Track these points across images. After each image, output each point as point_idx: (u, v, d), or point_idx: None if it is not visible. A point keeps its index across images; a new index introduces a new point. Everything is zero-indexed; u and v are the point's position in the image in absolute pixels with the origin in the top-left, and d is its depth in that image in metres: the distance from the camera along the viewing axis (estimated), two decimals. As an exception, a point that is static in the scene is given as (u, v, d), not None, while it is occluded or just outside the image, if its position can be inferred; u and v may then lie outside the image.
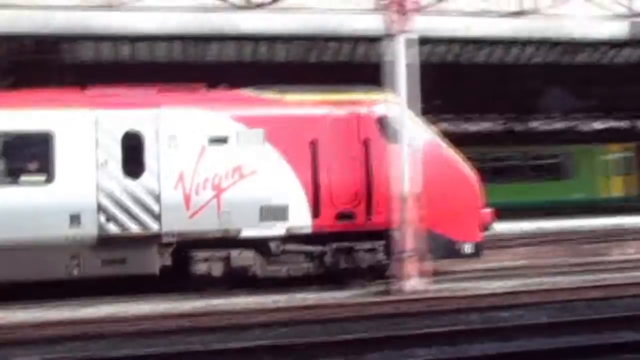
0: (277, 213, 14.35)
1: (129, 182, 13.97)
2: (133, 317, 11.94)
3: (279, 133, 14.46)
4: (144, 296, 13.86)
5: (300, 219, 14.47)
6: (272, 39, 19.31)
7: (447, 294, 13.51)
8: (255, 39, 19.17)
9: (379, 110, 15.04)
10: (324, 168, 14.51)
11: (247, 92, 15.06)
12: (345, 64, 21.96)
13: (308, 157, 14.54)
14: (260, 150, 14.44)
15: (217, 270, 14.33)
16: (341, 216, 14.52)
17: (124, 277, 14.04)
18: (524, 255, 19.35)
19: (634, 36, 20.87)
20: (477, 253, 15.35)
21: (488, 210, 15.54)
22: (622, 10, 15.78)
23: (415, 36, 13.88)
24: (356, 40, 20.34)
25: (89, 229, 13.75)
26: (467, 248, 15.14)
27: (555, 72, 24.81)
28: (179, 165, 14.13)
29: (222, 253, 14.31)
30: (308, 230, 14.55)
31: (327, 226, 14.44)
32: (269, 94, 15.04)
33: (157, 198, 14.03)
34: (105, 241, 13.86)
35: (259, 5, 14.11)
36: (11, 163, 13.99)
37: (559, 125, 36.63)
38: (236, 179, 14.29)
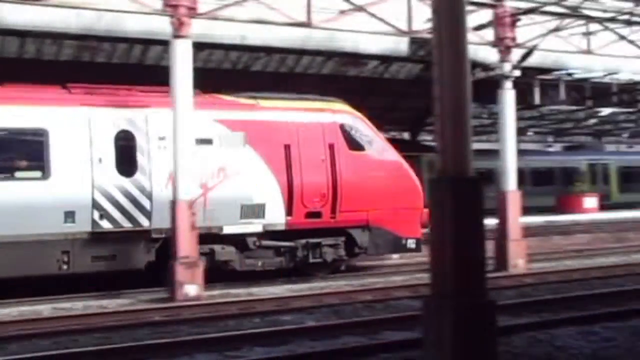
0: (256, 211, 15.31)
1: (123, 180, 14.40)
2: None
3: (257, 136, 15.44)
4: None
5: (275, 216, 15.55)
6: (39, 35, 18.29)
7: (220, 300, 13.45)
8: (21, 33, 18.06)
9: (341, 118, 16.62)
10: (296, 170, 15.75)
11: (227, 97, 15.92)
12: (120, 65, 21.35)
13: (283, 159, 15.70)
14: (242, 152, 15.35)
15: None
16: (310, 215, 15.83)
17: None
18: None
19: (414, 53, 22.01)
20: (418, 248, 16.93)
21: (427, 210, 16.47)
22: (403, 26, 16.50)
23: (190, 41, 13.72)
24: (132, 41, 19.78)
25: (82, 225, 13.97)
26: (411, 243, 16.81)
27: (332, 83, 25.57)
28: (169, 164, 14.14)
29: (205, 248, 14.75)
30: (282, 227, 15.67)
31: (298, 224, 15.71)
32: (245, 99, 16.05)
33: (149, 196, 14.48)
34: (97, 237, 14.10)
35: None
36: (6, 159, 13.93)
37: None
38: (221, 179, 15.08)
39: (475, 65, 20.48)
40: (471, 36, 16.54)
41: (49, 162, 13.88)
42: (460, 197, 6.72)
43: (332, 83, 23.69)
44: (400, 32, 16.33)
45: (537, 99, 26.49)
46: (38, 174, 13.94)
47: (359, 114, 17.04)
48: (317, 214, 15.87)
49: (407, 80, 26.63)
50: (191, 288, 13.41)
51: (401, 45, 17.10)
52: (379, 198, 16.25)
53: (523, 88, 24.48)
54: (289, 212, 15.61)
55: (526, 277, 15.96)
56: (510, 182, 17.30)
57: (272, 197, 15.47)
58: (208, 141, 15.08)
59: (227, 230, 15.05)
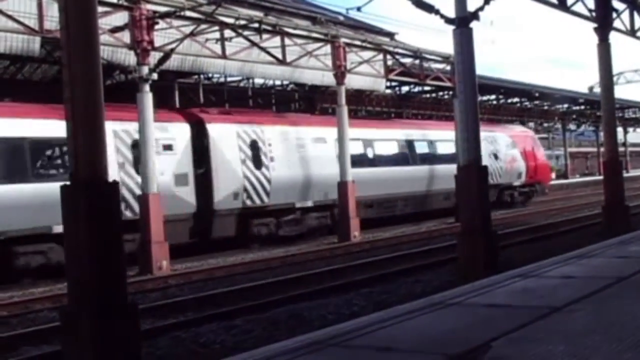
0: (520, 175, 33.38)
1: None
2: None
3: (518, 143, 34.32)
4: None
5: (523, 177, 33.69)
6: None
7: None
8: None
9: (532, 134, 40.39)
10: (527, 158, 34.14)
11: (506, 125, 40.42)
12: None
13: (524, 153, 34.09)
14: (515, 150, 33.48)
15: (508, 198, 33.10)
16: (529, 177, 34.41)
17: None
18: None
19: (48, 53, 20.94)
20: (546, 192, 37.90)
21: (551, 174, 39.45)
22: (35, 25, 15.56)
23: None
24: None
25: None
26: (547, 190, 37.90)
27: None
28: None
29: (495, 194, 30.10)
30: (523, 182, 33.72)
31: (527, 181, 34.14)
32: (507, 125, 39.60)
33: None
34: None
35: None
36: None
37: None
38: (512, 161, 32.77)
39: (114, 67, 20.31)
40: (108, 38, 16.38)
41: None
42: (95, 202, 6.56)
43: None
44: (32, 31, 15.48)
45: (177, 102, 26.87)
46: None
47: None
48: (531, 176, 34.13)
49: (45, 83, 25.40)
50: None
51: (34, 45, 16.24)
52: (540, 169, 35.23)
53: (164, 91, 24.67)
54: (526, 176, 33.68)
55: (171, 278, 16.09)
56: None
57: (523, 169, 33.50)
58: (511, 145, 33.08)
59: (514, 183, 33.07)
